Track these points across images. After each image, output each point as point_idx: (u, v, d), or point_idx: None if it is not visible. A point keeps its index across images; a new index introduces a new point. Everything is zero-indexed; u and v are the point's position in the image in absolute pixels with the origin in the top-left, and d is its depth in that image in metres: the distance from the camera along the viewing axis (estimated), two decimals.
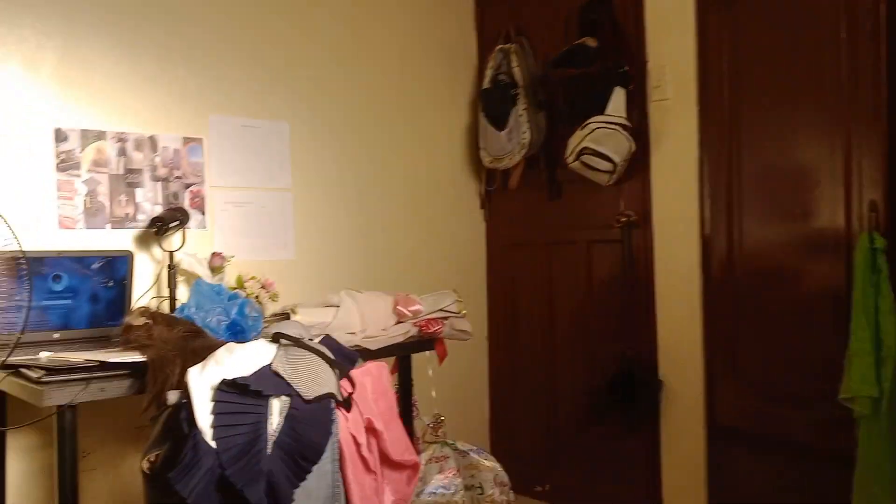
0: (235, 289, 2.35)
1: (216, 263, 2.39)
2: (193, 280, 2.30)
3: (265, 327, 2.00)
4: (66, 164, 2.24)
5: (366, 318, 2.15)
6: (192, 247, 2.39)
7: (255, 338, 1.89)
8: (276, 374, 1.57)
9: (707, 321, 2.60)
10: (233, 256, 2.47)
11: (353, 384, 1.69)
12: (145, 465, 1.51)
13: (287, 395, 1.55)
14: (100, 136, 2.30)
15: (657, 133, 2.74)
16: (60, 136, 2.23)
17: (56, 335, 2.09)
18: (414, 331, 2.27)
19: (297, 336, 1.70)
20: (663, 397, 2.69)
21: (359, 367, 1.78)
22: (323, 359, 1.65)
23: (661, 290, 2.73)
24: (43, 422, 2.01)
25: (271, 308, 2.41)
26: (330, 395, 1.60)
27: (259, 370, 1.57)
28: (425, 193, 3.19)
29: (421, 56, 3.19)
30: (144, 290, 2.32)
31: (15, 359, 1.77)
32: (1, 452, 2.02)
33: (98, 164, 2.30)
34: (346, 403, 1.64)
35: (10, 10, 2.15)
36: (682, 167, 2.66)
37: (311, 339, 1.74)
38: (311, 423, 1.54)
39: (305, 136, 2.79)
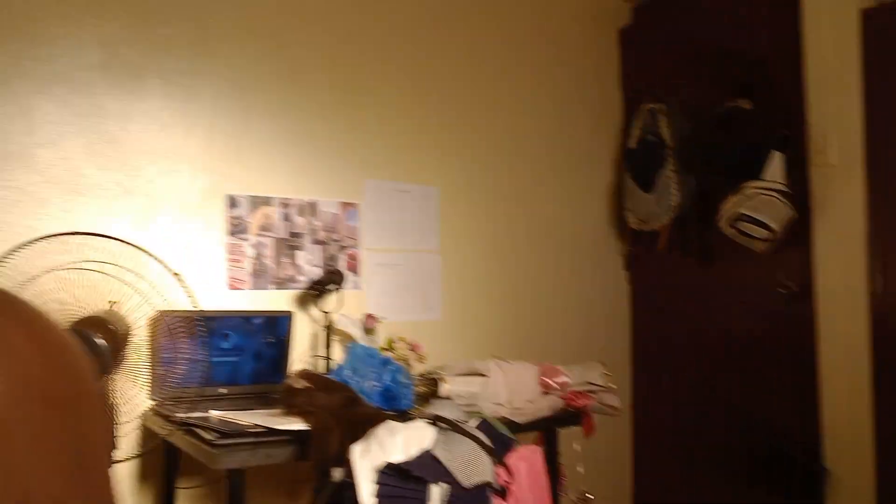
0: (385, 349, 2.43)
1: (370, 325, 2.48)
2: (347, 340, 2.40)
3: (417, 400, 2.05)
4: (236, 228, 2.41)
5: (512, 388, 2.15)
6: (346, 307, 2.50)
7: (409, 410, 1.94)
8: (436, 460, 1.60)
9: (879, 402, 2.41)
10: (384, 318, 2.55)
11: (509, 472, 1.69)
12: None
13: (446, 483, 1.58)
14: (266, 202, 2.46)
15: (820, 200, 2.59)
16: (232, 203, 2.40)
17: (223, 390, 2.23)
18: (560, 403, 2.25)
19: (455, 419, 1.73)
20: (829, 486, 2.50)
21: (513, 449, 1.78)
22: (480, 445, 1.67)
23: (826, 368, 2.55)
24: (210, 474, 2.18)
25: (418, 368, 2.47)
26: (487, 484, 1.61)
27: (420, 455, 1.61)
28: (569, 255, 3.17)
29: (565, 116, 3.19)
30: (301, 349, 2.44)
31: (190, 415, 1.91)
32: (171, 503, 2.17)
33: (265, 228, 2.46)
34: (503, 492, 1.64)
35: (189, 84, 2.34)
36: (849, 236, 2.50)
37: (467, 422, 1.76)
38: None
39: (453, 199, 2.86)
